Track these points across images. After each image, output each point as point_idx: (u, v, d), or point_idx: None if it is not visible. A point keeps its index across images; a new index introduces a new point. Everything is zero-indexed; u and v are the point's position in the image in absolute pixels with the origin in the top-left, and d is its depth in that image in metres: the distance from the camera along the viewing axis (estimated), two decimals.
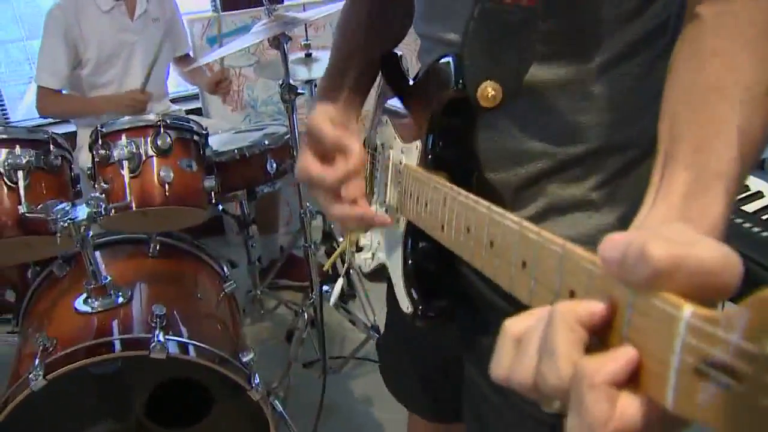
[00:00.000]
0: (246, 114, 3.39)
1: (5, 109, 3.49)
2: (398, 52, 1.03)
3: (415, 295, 0.88)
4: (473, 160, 0.83)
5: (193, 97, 3.48)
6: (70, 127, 2.92)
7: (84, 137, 2.73)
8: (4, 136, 1.76)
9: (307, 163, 0.91)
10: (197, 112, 3.33)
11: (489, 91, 0.75)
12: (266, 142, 2.30)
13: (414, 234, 0.87)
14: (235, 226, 3.00)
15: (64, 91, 2.77)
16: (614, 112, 0.77)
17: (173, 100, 3.12)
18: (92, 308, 1.75)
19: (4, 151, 1.75)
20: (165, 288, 1.95)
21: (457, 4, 0.80)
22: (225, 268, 2.18)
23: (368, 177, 1.06)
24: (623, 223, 0.78)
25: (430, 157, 0.84)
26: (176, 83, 3.32)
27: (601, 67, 0.75)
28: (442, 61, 0.80)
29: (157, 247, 2.04)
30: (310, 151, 0.92)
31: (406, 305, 0.90)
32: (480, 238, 0.63)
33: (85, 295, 1.77)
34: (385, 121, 1.01)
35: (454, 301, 0.89)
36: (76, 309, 1.77)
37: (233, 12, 3.38)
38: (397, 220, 0.92)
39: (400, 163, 0.91)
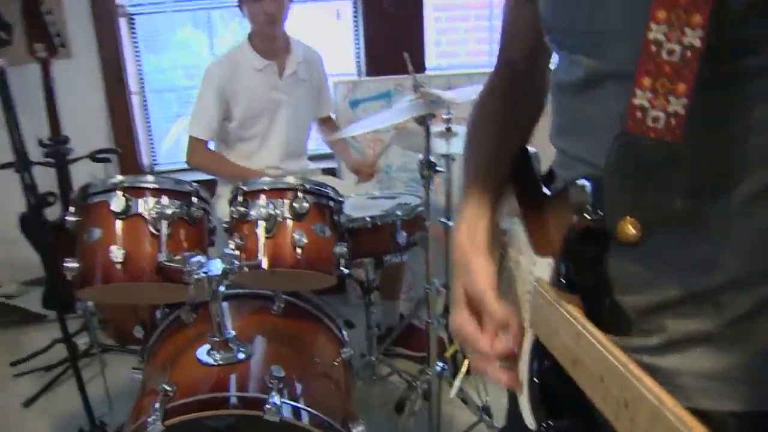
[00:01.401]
0: (378, 179, 3.43)
1: (154, 150, 3.71)
2: (531, 149, 1.02)
3: (540, 414, 0.86)
4: (605, 284, 0.81)
5: (329, 157, 3.56)
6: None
7: (223, 188, 2.84)
8: (155, 186, 1.85)
9: (464, 323, 0.91)
10: (331, 171, 3.41)
11: (629, 229, 0.73)
12: (399, 213, 2.32)
13: (541, 351, 0.85)
14: (358, 290, 3.02)
15: (210, 143, 2.91)
16: (755, 246, 0.73)
17: (310, 158, 3.20)
18: (214, 360, 1.79)
19: (152, 200, 1.83)
20: (284, 348, 1.97)
21: (597, 127, 0.80)
22: (344, 333, 2.18)
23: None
24: (755, 362, 0.75)
25: (562, 280, 0.81)
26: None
27: (745, 200, 0.72)
28: (581, 183, 0.78)
29: (281, 306, 2.07)
30: (467, 309, 0.92)
31: (529, 421, 0.87)
32: (612, 392, 0.60)
33: (208, 347, 1.81)
34: (516, 221, 0.98)
35: (577, 422, 0.86)
36: (198, 359, 1.81)
37: (376, 78, 3.47)
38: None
39: (531, 272, 0.89)
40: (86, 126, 3.33)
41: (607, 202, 0.75)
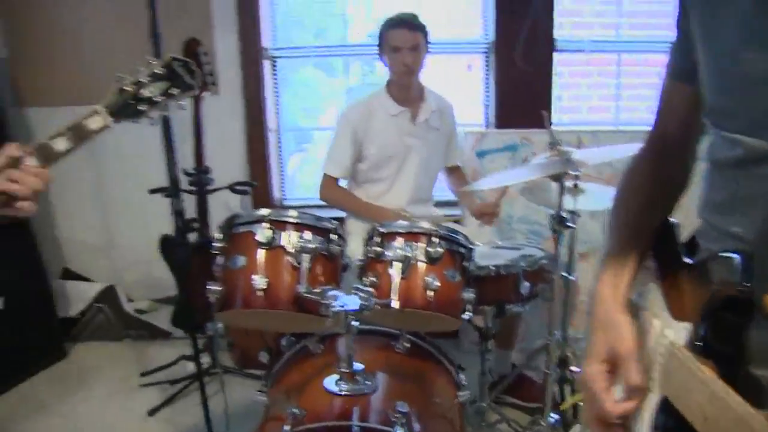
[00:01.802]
0: (499, 228, 3.48)
1: (284, 185, 3.89)
2: (673, 220, 1.06)
3: None
4: (743, 354, 0.84)
5: (453, 204, 3.63)
6: (332, 211, 3.17)
7: (353, 227, 2.96)
8: (298, 221, 1.97)
9: (596, 378, 0.96)
10: (455, 219, 3.48)
11: None
12: (523, 264, 2.36)
13: (667, 409, 0.88)
14: (473, 336, 3.06)
15: (341, 182, 3.05)
16: None
17: (435, 204, 3.29)
18: (340, 390, 1.87)
19: (295, 234, 1.95)
20: (407, 385, 2.03)
21: (753, 204, 0.83)
22: (462, 377, 2.23)
23: None
24: None
25: (699, 344, 0.85)
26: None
27: None
28: (729, 255, 0.82)
29: (406, 345, 2.14)
30: (602, 364, 0.97)
31: None
32: None
33: (336, 377, 1.90)
34: (652, 285, 1.03)
35: None
36: (325, 387, 1.89)
37: (504, 130, 3.55)
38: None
39: (665, 335, 0.93)
40: (226, 158, 3.54)
41: (757, 274, 0.78)
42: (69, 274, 4.02)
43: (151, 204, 3.24)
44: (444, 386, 2.16)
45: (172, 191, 2.51)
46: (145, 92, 1.45)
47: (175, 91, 1.48)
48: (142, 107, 1.46)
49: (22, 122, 3.71)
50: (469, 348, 3.37)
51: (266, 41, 3.71)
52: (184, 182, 3.11)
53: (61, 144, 1.39)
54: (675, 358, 0.87)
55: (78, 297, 3.85)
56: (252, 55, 3.61)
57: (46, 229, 3.88)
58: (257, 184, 3.53)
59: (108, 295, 3.86)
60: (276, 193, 3.91)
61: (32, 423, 3.08)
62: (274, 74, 3.82)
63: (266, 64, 3.73)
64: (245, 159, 3.80)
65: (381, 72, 3.80)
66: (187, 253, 2.86)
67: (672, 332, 0.92)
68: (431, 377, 2.18)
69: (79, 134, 1.40)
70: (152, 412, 3.09)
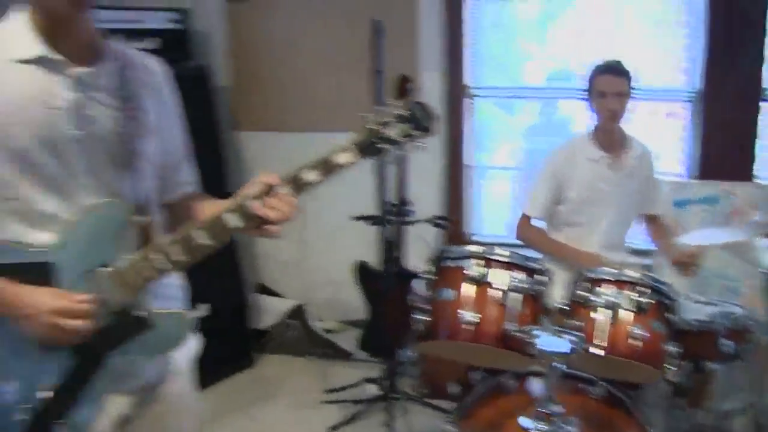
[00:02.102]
0: (691, 281, 3.37)
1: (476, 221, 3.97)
2: None
3: None
4: None
5: (646, 253, 3.56)
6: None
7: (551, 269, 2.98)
8: (509, 260, 2.05)
9: None
10: (647, 267, 3.42)
11: None
12: (725, 322, 2.31)
13: None
14: (662, 390, 2.98)
15: (533, 221, 3.09)
16: None
17: (631, 253, 3.25)
18: (536, 430, 1.91)
19: (506, 272, 2.02)
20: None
21: None
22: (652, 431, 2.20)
23: None
24: None
25: None
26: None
27: None
28: None
29: (601, 391, 2.15)
30: None
31: None
32: None
33: (534, 418, 1.93)
34: None
35: None
36: (521, 425, 1.93)
37: (705, 181, 3.46)
38: None
39: None
40: (424, 193, 3.66)
41: None
42: (264, 289, 4.29)
43: (346, 229, 3.42)
44: None
45: (379, 220, 2.65)
46: (389, 132, 1.56)
47: (415, 132, 1.58)
48: (384, 146, 1.57)
49: (236, 145, 4.03)
50: (654, 402, 3.28)
51: (467, 80, 3.83)
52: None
53: (311, 176, 1.51)
54: None
55: (270, 311, 4.11)
56: (455, 93, 3.73)
57: (247, 245, 4.16)
58: (455, 219, 3.63)
59: (298, 312, 4.10)
60: (466, 228, 4.01)
61: (222, 423, 3.33)
62: (473, 113, 3.92)
63: (467, 103, 3.85)
64: (442, 193, 3.92)
65: (565, 112, 3.87)
66: (389, 280, 2.98)
67: None
68: (623, 427, 2.17)
69: (328, 168, 1.52)
70: (333, 429, 3.24)
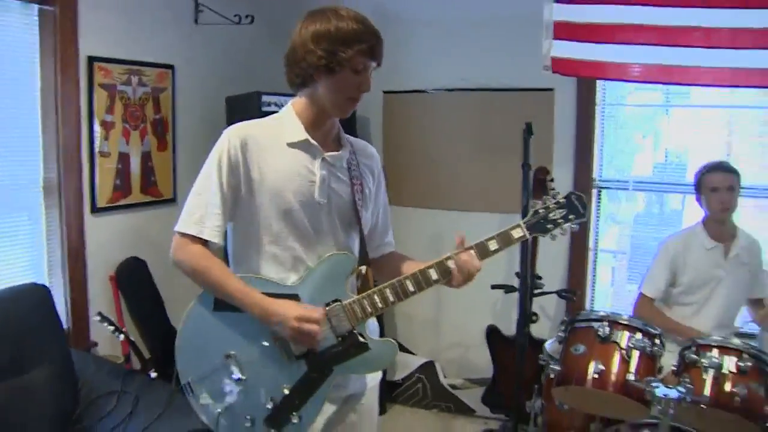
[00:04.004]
0: None
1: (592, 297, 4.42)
2: None
3: None
4: None
5: (751, 336, 3.88)
6: None
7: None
8: (629, 324, 2.51)
9: None
10: None
11: None
12: None
13: None
14: None
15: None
16: None
17: (737, 334, 3.59)
18: None
19: (628, 333, 2.49)
20: None
21: None
22: None
23: None
24: None
25: None
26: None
27: None
28: None
29: None
30: None
31: None
32: None
33: None
34: None
35: None
36: None
37: None
38: None
39: None
40: (550, 268, 4.14)
41: None
42: (400, 347, 4.79)
43: (477, 297, 3.90)
44: None
45: (517, 290, 3.15)
46: (552, 215, 2.06)
47: (571, 217, 2.07)
48: (549, 226, 2.06)
49: None
50: None
51: (595, 172, 4.34)
52: (515, 283, 3.76)
53: (493, 245, 2.01)
54: None
55: (404, 365, 4.60)
56: (584, 184, 4.24)
57: None
58: (578, 292, 4.10)
59: (428, 368, 4.57)
60: (588, 304, 4.45)
61: None
62: (599, 201, 4.40)
63: (595, 193, 4.34)
64: (567, 271, 4.38)
65: (672, 206, 4.35)
66: (522, 342, 3.43)
67: None
68: None
69: (506, 240, 2.01)
70: None
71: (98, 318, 3.21)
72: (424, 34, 4.57)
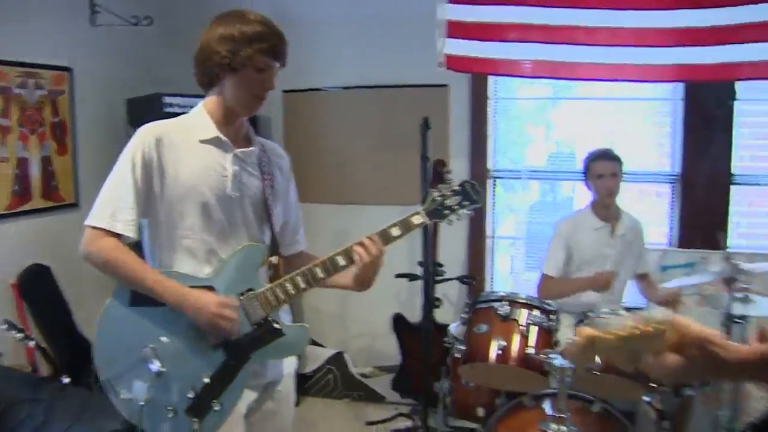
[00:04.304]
0: None
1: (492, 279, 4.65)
2: None
3: None
4: None
5: (638, 309, 4.21)
6: None
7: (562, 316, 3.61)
8: (527, 302, 2.71)
9: None
10: None
11: None
12: None
13: None
14: (652, 413, 3.53)
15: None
16: None
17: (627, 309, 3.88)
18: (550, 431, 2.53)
19: (526, 311, 2.69)
20: None
21: None
22: None
23: None
24: None
25: None
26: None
27: None
28: None
29: (599, 408, 2.76)
30: None
31: None
32: None
33: (551, 422, 2.55)
34: None
35: None
36: (541, 428, 2.56)
37: (685, 250, 4.14)
38: None
39: None
40: (450, 255, 4.34)
41: None
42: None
43: (383, 284, 4.02)
44: None
45: (421, 278, 3.31)
46: (448, 202, 2.20)
47: (466, 203, 2.22)
48: (446, 212, 2.20)
49: None
50: (648, 428, 3.81)
51: (489, 164, 4.57)
52: (419, 271, 3.93)
53: (395, 231, 2.13)
54: None
55: (314, 358, 4.71)
56: (479, 175, 4.45)
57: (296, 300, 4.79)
58: (479, 278, 4.32)
59: (337, 359, 4.70)
60: (487, 286, 4.69)
61: None
62: (494, 191, 4.65)
63: (490, 183, 4.58)
64: (466, 257, 4.61)
65: (564, 193, 4.63)
66: (429, 331, 3.60)
67: None
68: None
69: (407, 226, 2.13)
70: None
71: (5, 326, 3.16)
72: (323, 34, 4.68)
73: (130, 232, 2.00)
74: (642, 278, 3.81)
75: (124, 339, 2.02)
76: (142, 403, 1.98)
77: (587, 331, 1.29)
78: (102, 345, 2.05)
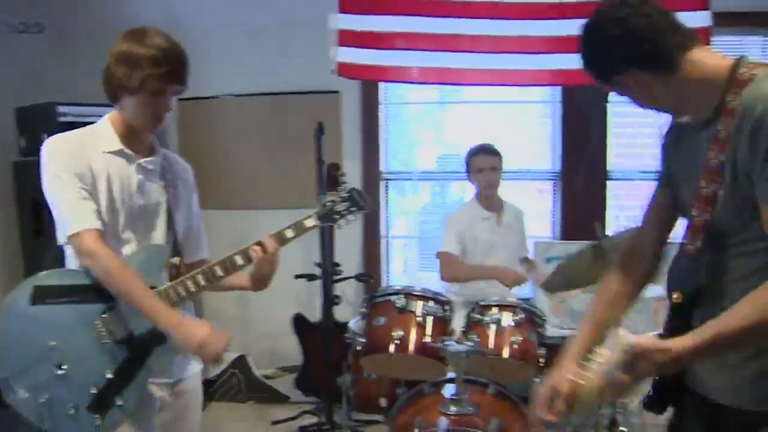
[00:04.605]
0: (564, 320, 4.29)
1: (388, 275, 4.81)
2: None
3: None
4: None
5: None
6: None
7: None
8: (424, 294, 2.87)
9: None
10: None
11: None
12: None
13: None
14: None
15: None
16: None
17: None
18: (453, 411, 2.70)
19: (422, 302, 2.84)
20: (495, 414, 2.83)
21: None
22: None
23: None
24: None
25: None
26: None
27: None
28: None
29: (494, 390, 2.95)
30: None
31: None
32: None
33: (449, 403, 2.72)
34: None
35: None
36: (441, 411, 2.72)
37: (567, 241, 4.42)
38: None
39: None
40: (347, 256, 4.48)
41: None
42: None
43: (282, 286, 4.12)
44: (522, 421, 2.95)
45: (319, 277, 3.43)
46: (338, 208, 2.37)
47: (353, 209, 2.40)
48: (336, 217, 2.37)
49: None
50: None
51: (382, 166, 4.76)
52: (317, 272, 4.05)
53: (289, 233, 2.28)
54: None
55: None
56: (372, 178, 4.64)
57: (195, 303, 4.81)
58: (375, 276, 4.48)
59: (240, 362, 4.75)
60: (384, 282, 4.87)
61: None
62: (387, 192, 4.84)
63: (383, 185, 4.78)
64: (363, 257, 4.79)
65: (453, 194, 4.89)
66: (328, 327, 3.72)
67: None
68: (513, 415, 2.95)
69: (300, 228, 2.29)
70: None
71: None
72: (217, 41, 4.73)
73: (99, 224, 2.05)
74: (525, 262, 4.06)
75: (23, 338, 2.04)
76: (42, 401, 2.01)
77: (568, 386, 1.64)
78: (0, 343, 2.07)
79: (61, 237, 2.08)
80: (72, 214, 2.03)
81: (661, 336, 1.61)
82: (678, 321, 1.64)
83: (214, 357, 2.10)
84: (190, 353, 2.12)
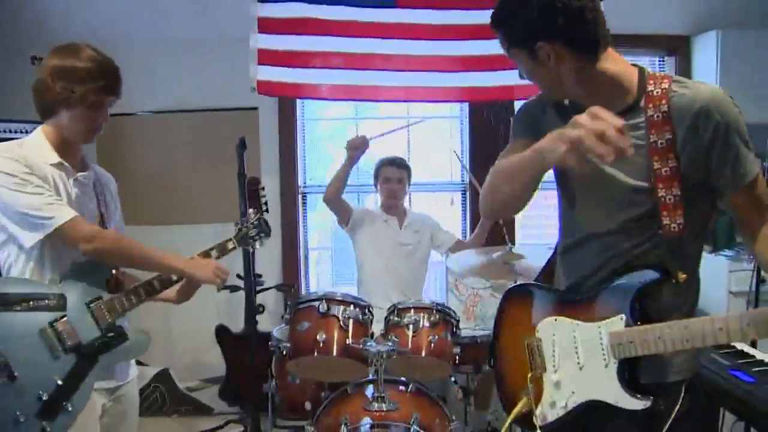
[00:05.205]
0: (476, 324, 4.52)
1: (308, 284, 4.95)
2: None
3: None
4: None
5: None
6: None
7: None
8: (345, 299, 3.03)
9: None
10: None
11: None
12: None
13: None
14: (459, 393, 3.94)
15: None
16: None
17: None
18: (376, 409, 2.87)
19: (343, 307, 3.00)
20: (416, 410, 3.02)
21: None
22: (453, 417, 3.18)
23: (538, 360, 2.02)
24: None
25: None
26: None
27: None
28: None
29: (413, 388, 3.13)
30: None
31: None
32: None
33: (372, 401, 2.90)
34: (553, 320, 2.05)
35: None
36: (365, 408, 2.89)
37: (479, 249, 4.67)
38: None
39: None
40: (267, 267, 4.61)
41: None
42: None
43: (204, 298, 4.22)
44: (440, 417, 3.13)
45: (242, 288, 3.56)
46: (250, 233, 2.76)
47: (262, 234, 2.81)
48: (249, 240, 2.76)
49: None
50: (457, 405, 4.23)
51: (299, 180, 4.93)
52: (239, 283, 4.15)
53: (215, 254, 2.53)
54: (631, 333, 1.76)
55: (139, 377, 4.67)
56: (290, 191, 4.81)
57: None
58: (295, 285, 4.63)
59: (163, 376, 4.78)
60: (302, 290, 5.02)
61: None
62: (304, 206, 5.03)
63: (299, 198, 4.95)
64: (282, 267, 4.94)
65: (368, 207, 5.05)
66: (252, 336, 3.83)
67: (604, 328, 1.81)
68: (432, 411, 3.13)
69: (223, 250, 2.57)
70: None
71: None
72: (137, 56, 4.68)
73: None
74: (456, 245, 4.27)
75: None
76: None
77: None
78: None
79: (29, 240, 2.12)
80: (52, 209, 2.10)
81: None
82: None
83: (225, 278, 2.47)
84: (207, 281, 2.43)
